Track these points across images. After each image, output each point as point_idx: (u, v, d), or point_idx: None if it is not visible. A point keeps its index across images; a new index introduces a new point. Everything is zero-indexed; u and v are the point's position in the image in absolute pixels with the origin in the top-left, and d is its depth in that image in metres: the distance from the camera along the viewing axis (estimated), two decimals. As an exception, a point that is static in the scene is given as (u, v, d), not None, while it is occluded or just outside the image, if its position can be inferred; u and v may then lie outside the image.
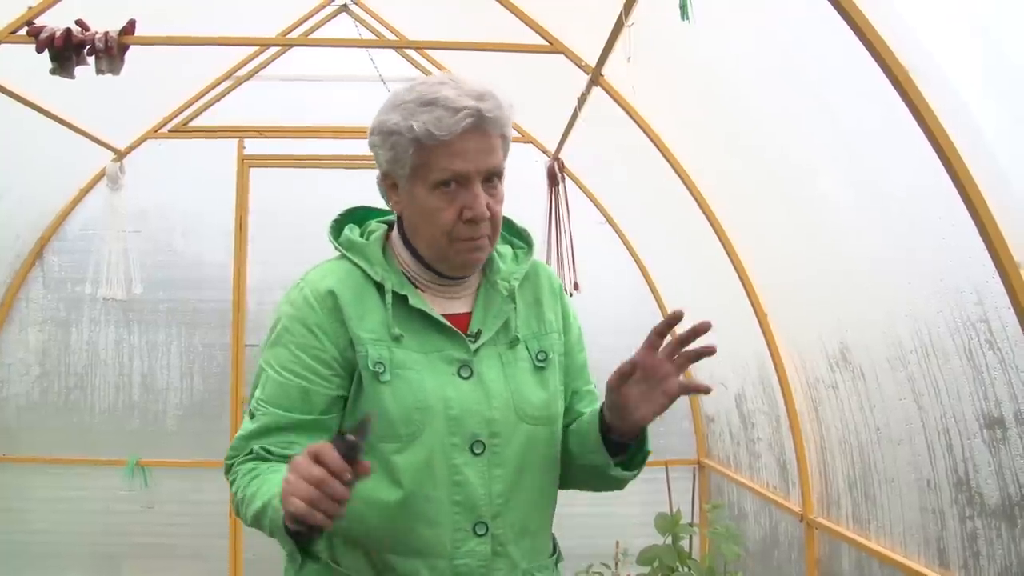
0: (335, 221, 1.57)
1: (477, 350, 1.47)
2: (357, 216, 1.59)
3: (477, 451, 1.43)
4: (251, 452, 1.42)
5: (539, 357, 1.52)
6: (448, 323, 1.46)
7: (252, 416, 1.45)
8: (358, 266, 1.47)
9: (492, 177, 1.41)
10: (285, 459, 1.34)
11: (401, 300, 1.45)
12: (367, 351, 1.41)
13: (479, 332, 1.48)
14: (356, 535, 1.44)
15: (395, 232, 1.52)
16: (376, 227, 1.55)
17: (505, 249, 1.59)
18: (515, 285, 1.52)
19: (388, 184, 1.47)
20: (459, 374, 1.44)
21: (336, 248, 1.52)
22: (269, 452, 1.41)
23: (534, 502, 1.50)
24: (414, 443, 1.40)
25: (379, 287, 1.45)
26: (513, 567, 1.46)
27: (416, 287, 1.48)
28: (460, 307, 1.51)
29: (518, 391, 1.47)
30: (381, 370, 1.41)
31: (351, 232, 1.53)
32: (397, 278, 1.46)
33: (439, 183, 1.38)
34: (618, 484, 1.53)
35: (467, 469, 1.42)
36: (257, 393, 1.46)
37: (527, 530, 1.48)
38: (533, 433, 1.48)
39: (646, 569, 2.96)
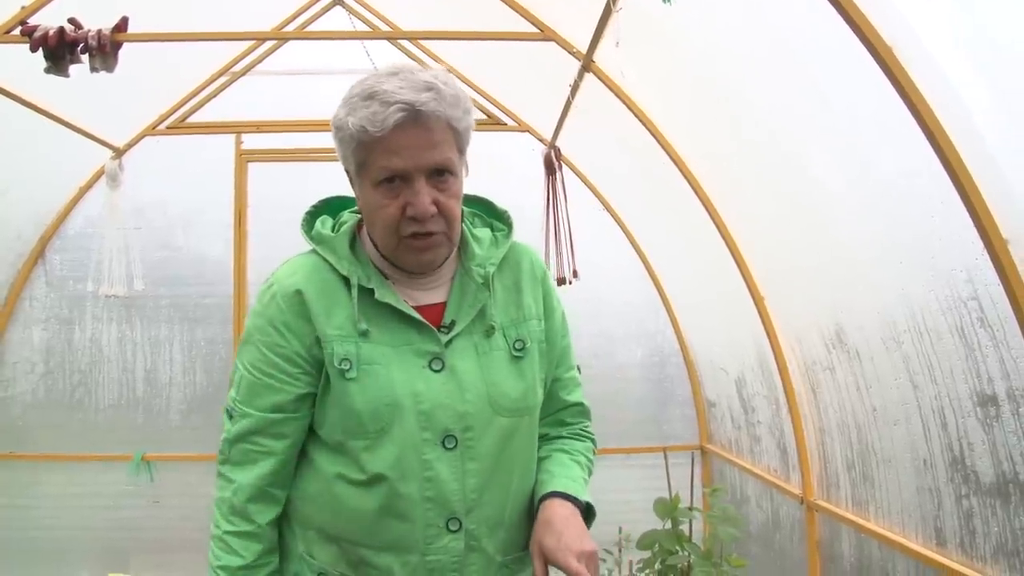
0: (308, 213, 1.52)
1: (450, 341, 1.42)
2: (333, 206, 1.54)
3: (449, 446, 1.39)
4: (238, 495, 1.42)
5: (516, 346, 1.46)
6: (417, 315, 1.41)
7: (230, 416, 1.45)
8: (327, 260, 1.43)
9: (442, 172, 1.35)
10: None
11: (368, 294, 1.40)
12: (333, 349, 1.38)
13: (452, 323, 1.44)
14: (329, 530, 1.43)
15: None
16: (348, 218, 1.50)
17: (483, 233, 1.53)
18: (491, 271, 1.47)
19: (349, 179, 1.43)
20: (430, 367, 1.40)
21: (307, 241, 1.48)
22: (251, 458, 1.42)
23: (511, 495, 1.46)
24: (383, 439, 1.38)
25: (347, 281, 1.41)
26: (489, 561, 1.44)
27: (387, 278, 1.44)
28: (435, 297, 1.46)
29: (493, 383, 1.42)
30: (347, 367, 1.38)
31: (322, 225, 1.49)
32: (364, 271, 1.42)
33: (380, 181, 1.34)
34: None
35: (439, 464, 1.38)
36: (232, 392, 1.45)
37: (502, 523, 1.46)
38: (509, 425, 1.44)
39: (647, 554, 2.98)
